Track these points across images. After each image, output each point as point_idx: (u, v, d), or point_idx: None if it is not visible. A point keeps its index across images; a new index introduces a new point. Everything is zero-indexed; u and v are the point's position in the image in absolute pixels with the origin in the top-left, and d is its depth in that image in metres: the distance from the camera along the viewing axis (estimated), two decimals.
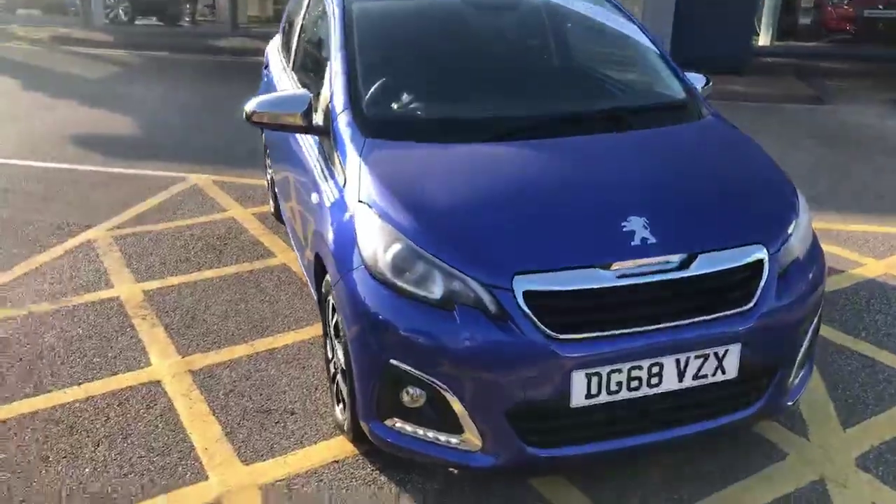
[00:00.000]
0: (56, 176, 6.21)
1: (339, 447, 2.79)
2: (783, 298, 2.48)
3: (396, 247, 2.34)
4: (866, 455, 2.78)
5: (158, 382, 3.24)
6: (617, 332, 2.27)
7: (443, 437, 2.34)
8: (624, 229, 2.37)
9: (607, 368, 2.26)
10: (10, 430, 2.90)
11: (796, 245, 2.61)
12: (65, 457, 2.75)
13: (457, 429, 2.30)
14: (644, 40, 3.47)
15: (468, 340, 2.22)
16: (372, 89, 3.01)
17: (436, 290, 2.27)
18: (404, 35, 3.42)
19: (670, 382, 2.35)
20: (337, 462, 2.73)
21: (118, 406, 3.07)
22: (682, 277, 2.35)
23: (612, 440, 2.40)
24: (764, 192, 2.74)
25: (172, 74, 11.12)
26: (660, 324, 2.31)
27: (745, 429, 2.81)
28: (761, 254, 2.46)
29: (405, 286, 2.30)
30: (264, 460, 2.76)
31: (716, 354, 2.37)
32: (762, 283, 2.44)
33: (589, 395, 2.27)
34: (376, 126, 2.84)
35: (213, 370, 3.33)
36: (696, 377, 2.37)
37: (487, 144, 2.81)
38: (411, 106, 3.05)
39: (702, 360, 2.36)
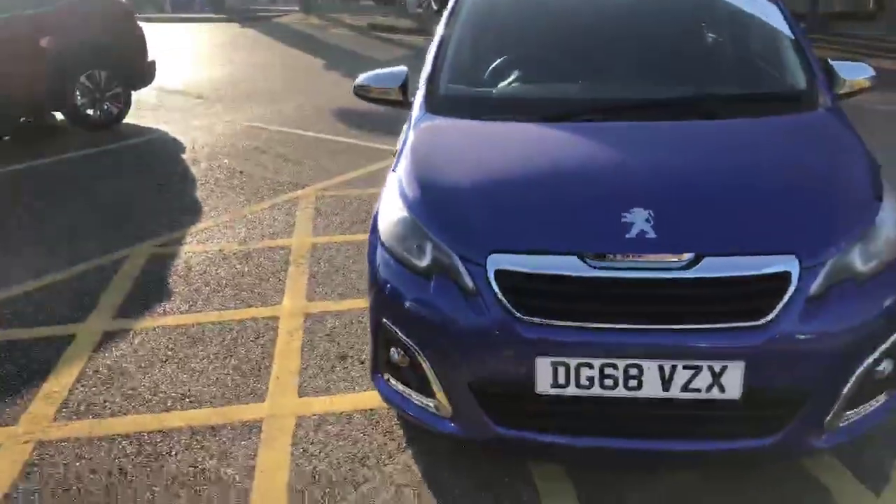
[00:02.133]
0: (304, 142, 7.20)
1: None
2: (816, 320, 2.15)
3: (398, 216, 2.49)
4: None
5: (276, 318, 3.76)
6: (588, 324, 2.17)
7: (422, 400, 2.45)
8: (622, 220, 2.24)
9: (575, 360, 2.18)
10: (151, 336, 3.61)
11: (857, 261, 2.22)
12: (177, 362, 3.37)
13: (430, 392, 2.40)
14: (782, 26, 3.08)
15: (438, 309, 2.30)
16: (452, 67, 3.13)
17: (424, 260, 2.38)
18: (506, 20, 3.45)
19: (652, 389, 2.18)
20: (371, 410, 2.96)
21: (237, 332, 3.63)
22: (678, 279, 2.16)
23: (586, 437, 2.30)
24: (825, 197, 2.35)
25: None
26: (641, 324, 2.16)
27: (763, 463, 2.47)
28: (788, 266, 2.15)
29: (402, 253, 2.44)
30: (317, 396, 3.09)
31: (711, 369, 2.14)
32: (784, 299, 2.14)
33: (556, 385, 2.21)
34: (441, 101, 2.98)
35: (323, 316, 3.76)
36: (685, 389, 2.17)
37: (537, 125, 2.79)
38: (483, 85, 3.11)
39: (692, 371, 2.15)
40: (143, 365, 3.35)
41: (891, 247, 2.31)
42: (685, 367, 2.15)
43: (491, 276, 2.24)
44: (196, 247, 4.72)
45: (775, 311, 2.13)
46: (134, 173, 6.50)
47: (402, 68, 3.29)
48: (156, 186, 6.05)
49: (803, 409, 2.21)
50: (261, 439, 2.82)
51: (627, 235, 2.22)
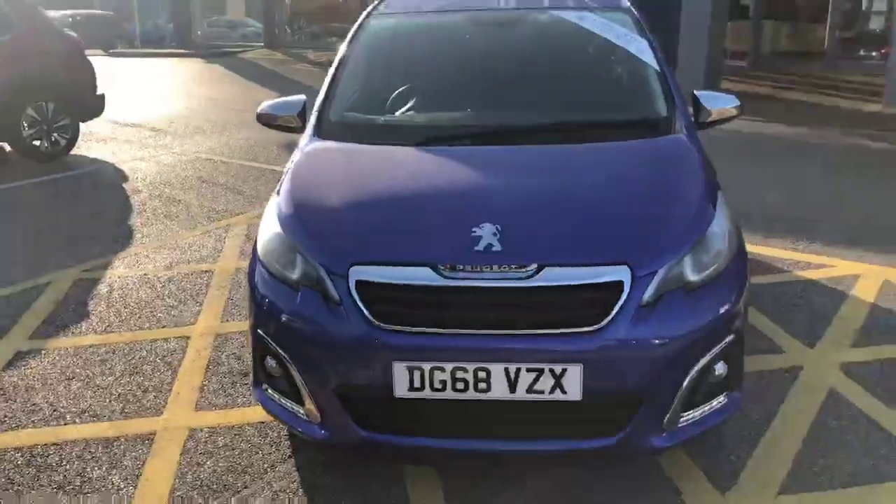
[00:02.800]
0: (246, 172, 7.36)
1: None
2: (648, 326, 2.32)
3: (273, 233, 2.65)
4: None
5: (187, 338, 3.87)
6: (440, 330, 2.33)
7: (294, 407, 2.58)
8: (472, 234, 2.41)
9: (429, 365, 2.33)
10: (62, 355, 3.70)
11: (688, 271, 2.41)
12: (83, 380, 3.46)
13: (300, 400, 2.53)
14: (650, 60, 3.32)
15: (304, 319, 2.45)
16: (341, 95, 3.34)
17: (294, 273, 2.53)
18: (398, 50, 3.68)
19: (500, 391, 2.33)
20: (263, 423, 3.07)
21: (147, 351, 3.74)
22: (519, 288, 2.33)
23: (444, 439, 2.44)
24: (658, 212, 2.55)
25: None
26: (489, 330, 2.32)
27: (611, 461, 2.66)
28: (621, 276, 2.33)
29: (275, 267, 2.59)
30: (213, 410, 3.20)
31: (552, 371, 2.30)
32: (617, 307, 2.32)
33: (412, 388, 2.35)
34: (327, 127, 3.17)
35: (233, 336, 3.87)
36: (529, 391, 2.33)
37: (412, 148, 2.98)
38: (370, 112, 3.31)
39: (535, 374, 2.31)
40: (48, 382, 3.44)
41: (721, 257, 2.50)
42: (528, 370, 2.31)
43: (352, 286, 2.39)
44: (122, 271, 4.83)
45: (609, 318, 2.30)
46: (74, 202, 6.60)
47: (301, 97, 3.47)
48: (92, 215, 6.15)
49: (641, 410, 2.37)
50: (151, 450, 2.92)
51: (476, 248, 2.39)
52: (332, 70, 3.49)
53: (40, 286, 4.60)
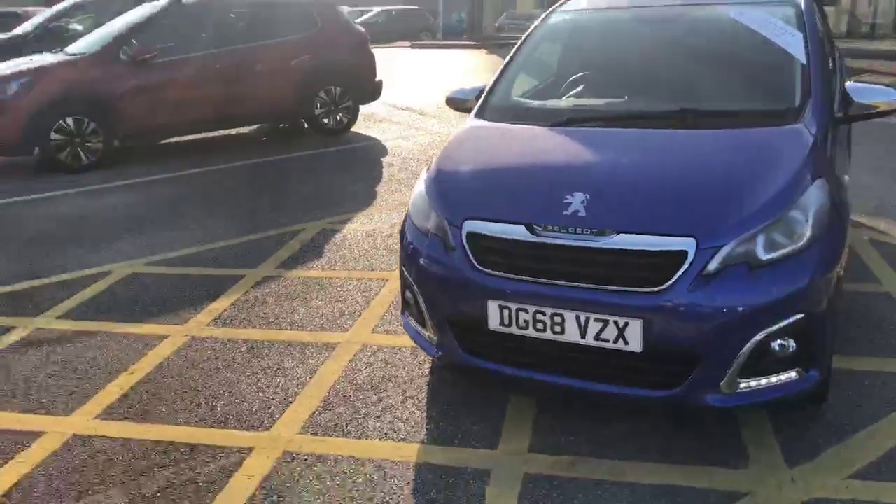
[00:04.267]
0: None
1: None
2: (706, 294, 2.58)
3: (418, 192, 3.30)
4: None
5: (386, 280, 4.71)
6: (526, 278, 2.81)
7: (421, 330, 3.23)
8: (564, 201, 2.84)
9: (515, 306, 2.83)
10: (294, 282, 4.76)
11: (759, 249, 2.60)
12: (303, 299, 4.46)
13: (424, 324, 3.18)
14: (796, 50, 3.35)
15: (429, 259, 3.07)
16: (508, 82, 3.87)
17: (429, 224, 3.17)
18: (565, 43, 4.07)
19: (573, 335, 2.76)
20: (417, 347, 3.78)
21: (353, 286, 4.65)
22: (595, 248, 2.72)
23: (524, 370, 2.92)
24: (739, 193, 2.72)
25: None
26: (566, 282, 2.75)
27: (667, 412, 2.96)
28: (686, 246, 2.61)
29: (418, 219, 3.24)
30: (385, 334, 3.98)
31: (616, 323, 2.68)
32: (679, 273, 2.61)
33: (502, 324, 2.87)
34: (489, 109, 3.73)
35: None
36: (597, 338, 2.72)
37: (542, 128, 3.43)
38: (528, 97, 3.80)
39: (602, 324, 2.70)
40: (278, 299, 4.49)
41: (800, 240, 2.64)
42: (596, 320, 2.71)
43: (464, 236, 2.97)
44: (357, 225, 5.87)
45: (670, 282, 2.61)
46: (343, 170, 7.93)
47: (482, 84, 4.08)
48: (354, 180, 7.38)
49: (698, 369, 2.64)
50: (331, 356, 3.78)
51: (564, 213, 2.82)
52: (507, 59, 4.06)
53: (296, 231, 5.80)
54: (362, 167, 8.06)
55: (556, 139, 3.38)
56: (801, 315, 2.63)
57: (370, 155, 8.69)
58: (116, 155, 8.50)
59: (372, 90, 10.05)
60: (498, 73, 4.00)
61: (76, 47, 8.87)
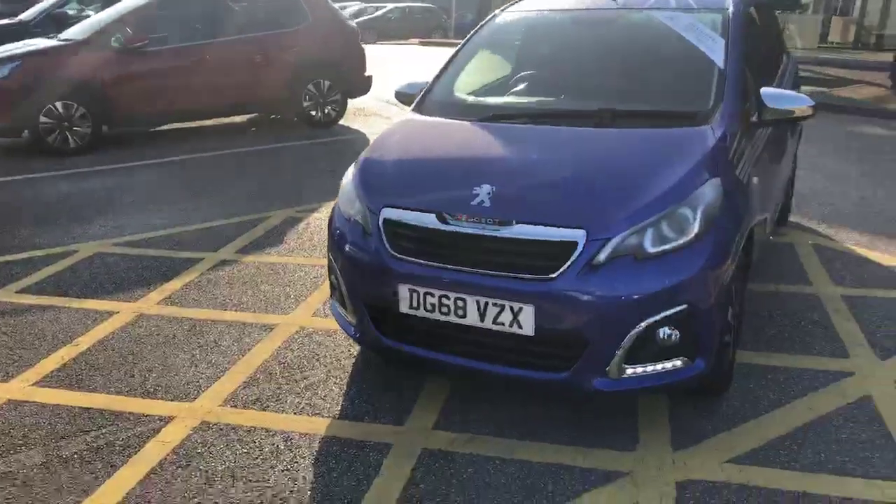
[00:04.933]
0: None
1: None
2: (593, 282, 2.72)
3: (346, 181, 3.45)
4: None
5: None
6: (433, 263, 2.96)
7: (342, 312, 3.38)
8: (472, 192, 2.99)
9: (423, 289, 2.97)
10: (248, 266, 4.92)
11: (647, 242, 2.74)
12: (253, 283, 4.63)
13: (345, 305, 3.33)
14: (716, 56, 3.46)
15: (349, 244, 3.22)
16: (447, 79, 4.01)
17: (353, 210, 3.32)
18: (504, 42, 4.21)
19: (473, 318, 2.90)
20: None
21: (305, 271, 4.81)
22: (494, 237, 2.86)
23: (431, 351, 3.06)
24: (630, 189, 2.85)
25: None
26: (468, 268, 2.89)
27: (562, 395, 3.12)
28: (576, 237, 2.75)
29: (343, 205, 3.39)
30: (324, 318, 4.14)
31: (511, 308, 2.82)
32: (568, 262, 2.75)
33: (411, 307, 3.02)
34: (425, 103, 3.88)
35: None
36: (495, 322, 2.86)
37: (467, 123, 3.58)
38: (469, 93, 3.95)
39: (499, 308, 2.84)
40: (230, 282, 4.66)
41: (686, 236, 2.77)
42: (494, 304, 2.85)
43: (380, 222, 3.11)
44: (322, 214, 6.03)
45: (560, 270, 2.75)
46: (321, 161, 8.10)
47: (426, 80, 4.21)
48: (329, 172, 7.54)
49: (585, 353, 2.78)
50: (267, 336, 3.93)
51: (471, 203, 2.95)
52: (449, 57, 4.20)
53: (264, 218, 5.97)
54: (342, 159, 8.21)
55: (477, 134, 3.52)
56: (685, 306, 2.76)
57: (353, 148, 8.85)
58: (107, 140, 8.71)
59: (361, 85, 10.20)
60: (440, 68, 4.14)
61: (70, 33, 9.08)
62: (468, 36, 4.33)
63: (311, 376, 3.51)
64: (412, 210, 3.07)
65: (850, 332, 3.84)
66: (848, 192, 6.49)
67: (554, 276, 2.76)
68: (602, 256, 2.75)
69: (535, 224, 2.83)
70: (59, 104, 8.21)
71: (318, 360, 3.66)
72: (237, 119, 10.57)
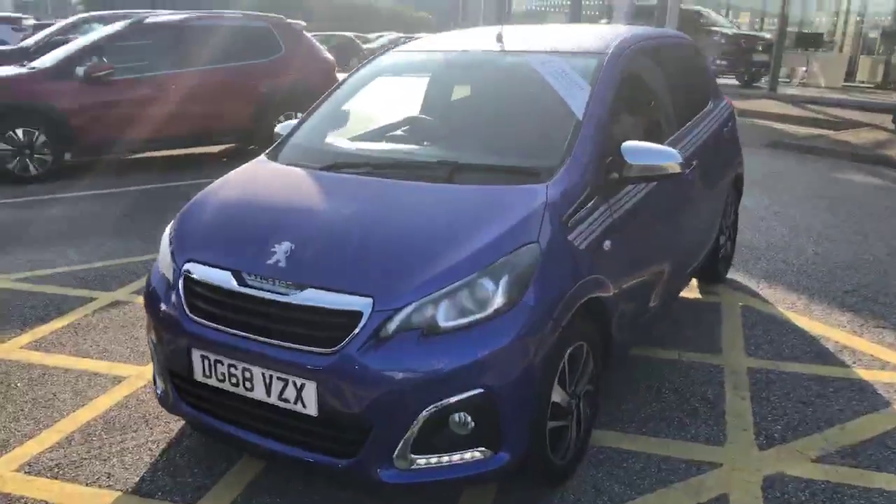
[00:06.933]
0: None
1: None
2: (377, 358, 2.41)
3: (165, 233, 3.17)
4: None
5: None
6: (223, 328, 2.67)
7: (157, 380, 3.09)
8: (271, 250, 2.70)
9: (212, 357, 2.69)
10: (134, 309, 4.69)
11: (440, 315, 2.43)
12: (127, 330, 4.39)
13: (154, 373, 3.06)
14: (576, 106, 3.12)
15: (160, 300, 2.95)
16: (314, 120, 3.77)
17: (164, 265, 3.03)
18: (375, 85, 3.93)
19: (260, 393, 2.61)
20: None
21: None
22: (283, 302, 2.57)
23: (223, 422, 2.76)
24: (427, 255, 2.55)
25: None
26: (256, 336, 2.60)
27: (345, 481, 2.77)
28: (362, 306, 2.45)
29: (160, 257, 3.12)
30: None
31: (294, 383, 2.52)
32: (352, 334, 2.44)
33: (205, 375, 2.73)
34: (281, 148, 3.62)
35: None
36: (280, 398, 2.57)
37: (303, 171, 3.30)
38: (318, 139, 3.67)
39: (283, 383, 2.54)
40: (105, 326, 4.43)
41: (485, 309, 2.45)
42: (278, 378, 2.55)
43: (181, 278, 2.85)
44: None
45: (342, 344, 2.44)
46: None
47: (288, 124, 3.94)
48: None
49: (369, 439, 2.45)
50: (111, 389, 3.68)
51: (268, 262, 2.67)
52: (321, 98, 3.94)
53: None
54: None
55: (302, 184, 3.24)
56: (481, 390, 2.43)
57: None
58: (77, 168, 8.65)
59: None
60: (308, 111, 3.89)
61: (39, 62, 9.09)
62: (345, 77, 4.07)
63: (129, 440, 3.23)
64: (211, 266, 2.80)
65: (740, 413, 3.44)
66: (804, 247, 6.03)
67: (335, 349, 2.45)
68: (389, 329, 2.44)
69: (327, 290, 2.53)
70: (19, 131, 8.17)
71: (146, 421, 3.38)
72: (214, 149, 10.46)
